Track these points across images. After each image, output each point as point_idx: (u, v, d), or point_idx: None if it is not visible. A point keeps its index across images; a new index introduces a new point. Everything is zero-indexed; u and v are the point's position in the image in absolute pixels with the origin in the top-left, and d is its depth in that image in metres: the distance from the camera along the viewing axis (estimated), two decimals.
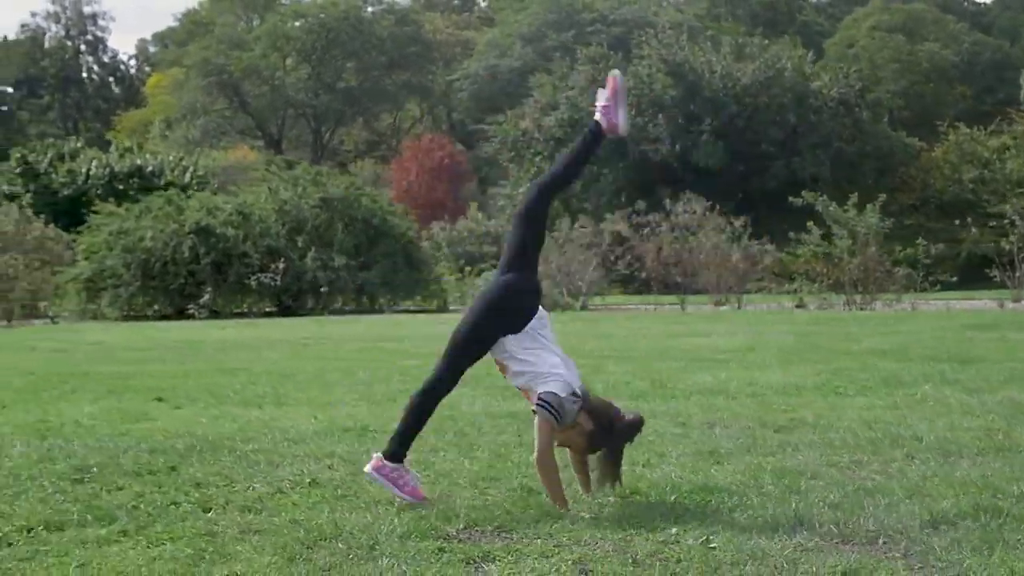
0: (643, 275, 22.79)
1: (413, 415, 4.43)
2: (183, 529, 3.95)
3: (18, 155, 39.60)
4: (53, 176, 38.12)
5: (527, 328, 4.32)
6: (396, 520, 4.03)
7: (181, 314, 21.88)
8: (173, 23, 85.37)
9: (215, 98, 59.48)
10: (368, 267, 23.47)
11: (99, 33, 75.88)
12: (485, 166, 61.64)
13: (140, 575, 3.41)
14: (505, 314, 4.31)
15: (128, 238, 22.37)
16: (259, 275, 21.49)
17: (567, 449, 4.44)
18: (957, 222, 30.26)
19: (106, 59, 77.05)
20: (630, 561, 3.52)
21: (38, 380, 9.29)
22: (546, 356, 4.28)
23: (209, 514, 4.22)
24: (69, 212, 33.78)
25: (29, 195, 35.93)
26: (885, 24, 60.05)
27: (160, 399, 7.94)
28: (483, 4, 75.73)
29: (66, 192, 37.37)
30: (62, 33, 75.25)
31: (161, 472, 5.09)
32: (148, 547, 3.72)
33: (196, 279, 21.95)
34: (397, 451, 4.40)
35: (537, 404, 4.21)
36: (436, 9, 71.28)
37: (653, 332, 14.75)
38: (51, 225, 25.34)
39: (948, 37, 58.54)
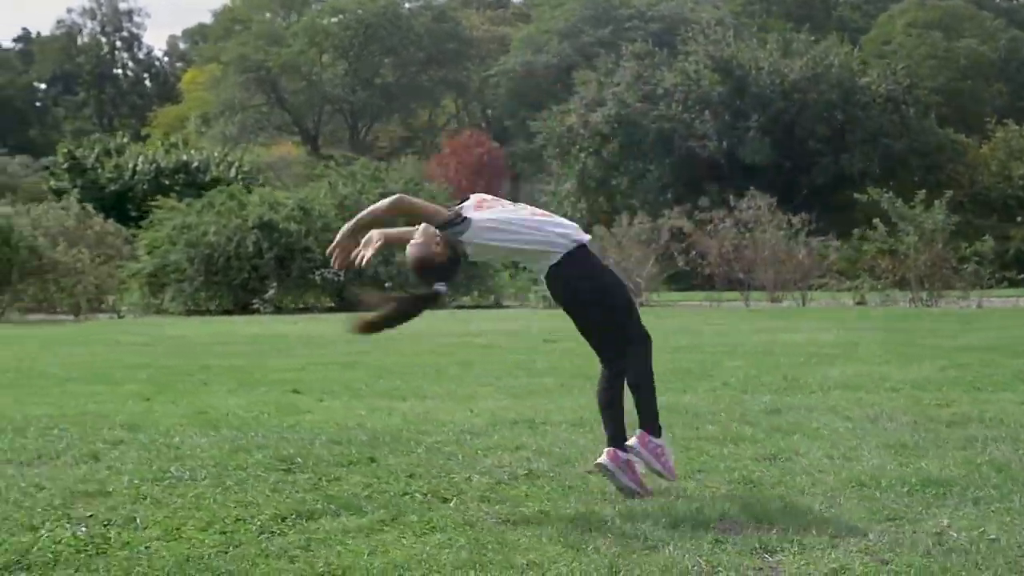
0: (707, 271, 22.68)
1: (647, 386, 4.40)
2: (439, 519, 3.93)
3: (65, 150, 39.90)
4: (100, 171, 38.36)
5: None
6: (652, 509, 4.01)
7: (244, 309, 21.94)
8: (204, 20, 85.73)
9: (253, 94, 59.66)
10: None
11: (134, 29, 76.39)
12: (520, 162, 61.61)
13: (434, 563, 3.39)
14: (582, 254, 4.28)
15: (191, 233, 22.45)
16: (322, 270, 21.52)
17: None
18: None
19: (141, 55, 77.53)
20: (923, 552, 3.48)
21: (159, 373, 9.31)
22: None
23: (450, 504, 4.20)
24: (115, 207, 34.01)
25: (76, 190, 36.18)
26: (921, 21, 59.59)
27: (296, 391, 7.95)
28: (517, 0, 75.64)
29: (113, 187, 37.60)
30: (98, 30, 75.74)
31: (362, 463, 5.07)
32: (420, 536, 3.71)
33: (259, 274, 22.00)
34: (654, 425, 4.40)
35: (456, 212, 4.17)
36: (471, 5, 71.23)
37: (742, 328, 14.66)
38: (109, 220, 25.46)
39: (985, 34, 58.05)
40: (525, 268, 26.40)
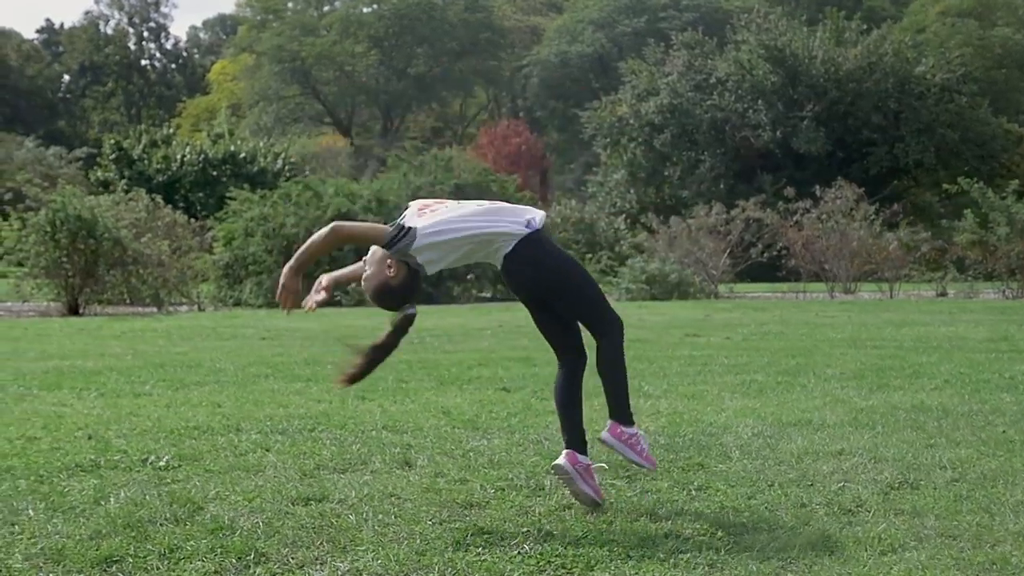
0: (792, 262, 22.41)
1: (618, 373, 4.24)
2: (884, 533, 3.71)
3: (112, 141, 39.78)
4: (148, 162, 38.19)
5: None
6: None
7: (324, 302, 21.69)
8: (224, 10, 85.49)
9: (287, 84, 59.44)
10: None
11: (161, 20, 76.20)
12: (552, 152, 61.38)
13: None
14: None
15: (268, 224, 22.24)
16: None
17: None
18: None
19: (168, 46, 77.35)
20: None
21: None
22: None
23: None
24: (163, 198, 33.75)
25: (124, 181, 35.97)
26: (955, 9, 59.18)
27: (505, 389, 7.73)
28: None
29: (160, 178, 37.42)
30: (125, 20, 75.57)
31: (692, 469, 4.87)
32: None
33: (338, 266, 21.71)
34: (625, 414, 4.23)
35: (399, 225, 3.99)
36: None
37: (869, 322, 14.40)
38: (177, 211, 25.24)
39: (1019, 22, 57.55)
40: (590, 259, 26.12)
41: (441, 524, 3.96)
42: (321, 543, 3.73)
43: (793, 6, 60.27)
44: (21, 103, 71.50)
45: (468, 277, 22.47)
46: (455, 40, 60.25)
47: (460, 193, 23.85)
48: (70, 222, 19.42)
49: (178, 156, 38.07)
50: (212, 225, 24.95)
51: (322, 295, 4.24)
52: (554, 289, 4.10)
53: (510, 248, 4.03)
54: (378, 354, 4.22)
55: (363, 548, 3.67)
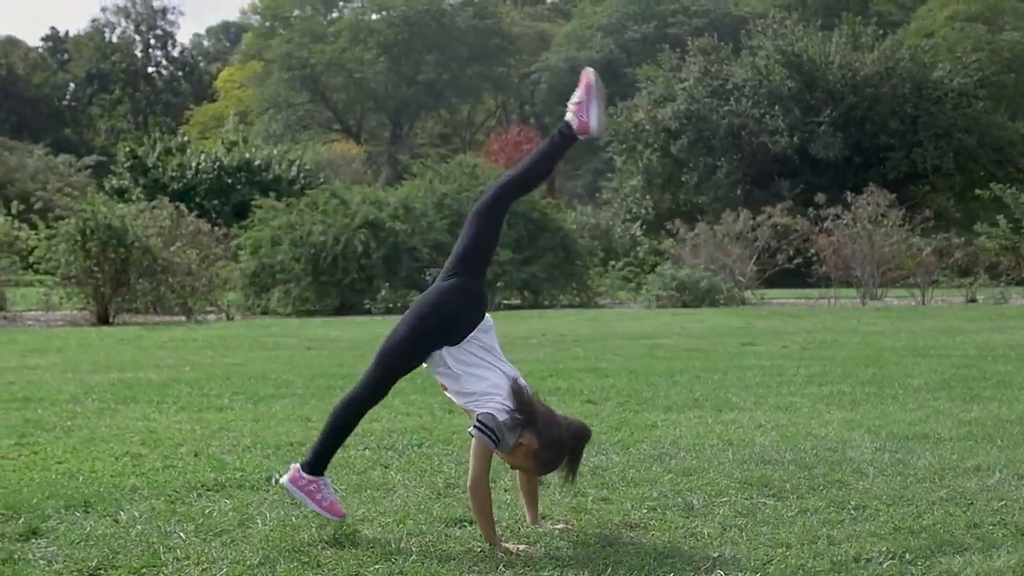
0: (823, 268, 22.29)
1: (336, 428, 4.10)
2: None
3: (127, 149, 39.62)
4: (162, 170, 38.04)
5: (468, 339, 3.98)
6: None
7: (350, 310, 21.59)
8: (227, 18, 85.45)
9: (297, 91, 59.35)
10: (530, 262, 23.12)
11: (168, 27, 76.03)
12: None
13: None
14: (445, 322, 3.97)
15: (295, 232, 22.09)
16: (431, 270, 21.16)
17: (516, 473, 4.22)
18: None
19: (175, 53, 77.16)
20: None
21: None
22: (485, 373, 3.94)
23: None
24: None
25: (139, 189, 35.87)
26: (963, 13, 59.18)
27: (592, 402, 7.62)
28: None
29: (175, 186, 37.26)
30: (132, 28, 75.40)
31: (832, 486, 4.76)
32: None
33: (366, 274, 21.65)
34: (316, 463, 4.09)
35: (475, 426, 3.87)
36: (508, 2, 70.84)
37: (914, 329, 14.29)
38: (201, 219, 25.13)
39: None
40: (613, 266, 26.00)
41: (613, 547, 3.84)
42: (500, 568, 3.62)
43: (801, 11, 60.38)
44: (28, 111, 71.41)
45: (497, 284, 22.36)
46: (464, 46, 60.20)
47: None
48: (100, 231, 19.30)
49: (193, 164, 37.91)
50: (236, 233, 24.82)
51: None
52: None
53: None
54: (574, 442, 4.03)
55: (547, 573, 3.56)
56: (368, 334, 15.27)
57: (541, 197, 26.12)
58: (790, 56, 36.72)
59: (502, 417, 3.84)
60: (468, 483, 3.93)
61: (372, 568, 3.59)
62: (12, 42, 74.81)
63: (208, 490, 4.80)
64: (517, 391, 3.89)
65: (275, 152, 40.19)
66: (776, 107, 36.34)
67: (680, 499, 4.51)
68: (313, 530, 4.06)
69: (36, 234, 21.17)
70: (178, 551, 3.79)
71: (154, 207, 23.46)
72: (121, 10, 75.12)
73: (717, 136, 36.76)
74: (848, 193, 23.17)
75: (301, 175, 38.77)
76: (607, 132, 40.28)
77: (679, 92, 37.46)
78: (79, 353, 12.34)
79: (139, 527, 4.09)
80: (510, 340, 13.45)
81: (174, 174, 37.70)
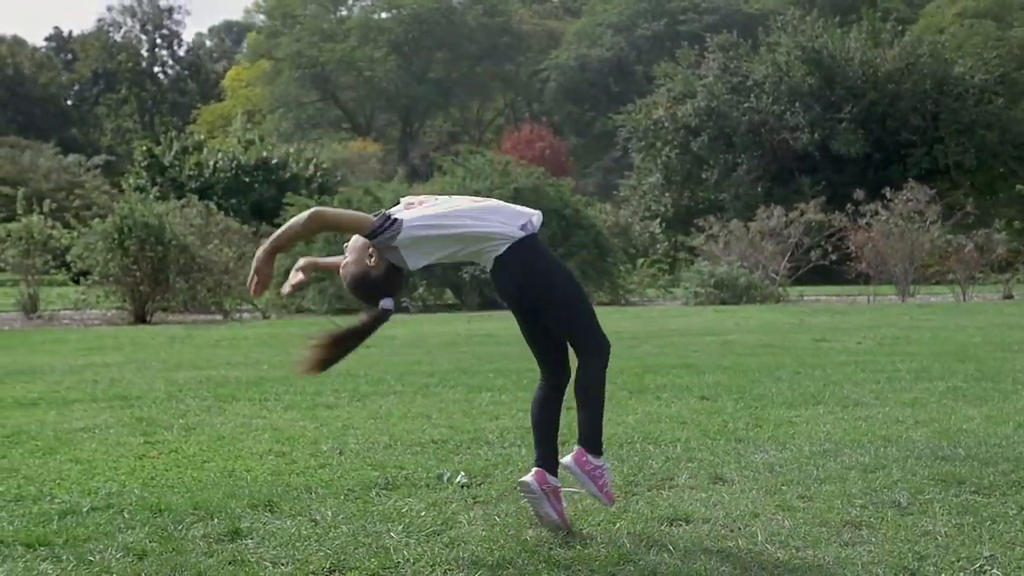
0: (862, 265, 22.15)
1: (600, 399, 3.99)
2: None
3: (144, 148, 39.42)
4: (180, 169, 37.85)
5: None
6: None
7: None
8: (230, 17, 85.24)
9: (307, 90, 59.15)
10: (564, 259, 22.97)
11: (174, 27, 75.77)
12: (571, 156, 61.16)
13: None
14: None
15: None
16: (468, 267, 21.01)
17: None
18: None
19: (181, 53, 76.92)
20: None
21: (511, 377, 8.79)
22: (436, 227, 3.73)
23: None
24: None
25: (156, 188, 35.68)
26: (971, 10, 59.12)
27: (705, 398, 7.48)
28: None
29: (193, 185, 37.06)
30: (137, 27, 75.17)
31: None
32: None
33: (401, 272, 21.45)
34: (596, 443, 3.93)
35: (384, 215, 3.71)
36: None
37: (972, 325, 14.16)
38: (230, 216, 24.97)
39: None
40: (642, 263, 25.86)
41: (848, 547, 3.69)
42: (755, 569, 3.47)
43: (808, 8, 60.30)
44: (34, 111, 71.18)
45: None
46: (474, 44, 60.04)
47: (518, 198, 23.61)
48: (138, 229, 19.14)
49: (211, 163, 37.72)
50: (265, 231, 24.64)
51: (299, 276, 4.00)
52: (542, 299, 3.83)
53: (501, 251, 3.78)
54: (349, 343, 3.96)
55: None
56: (417, 332, 15.14)
57: (572, 193, 26.02)
58: (810, 52, 36.60)
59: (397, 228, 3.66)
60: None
61: (625, 568, 3.44)
62: (18, 42, 74.58)
63: (384, 489, 4.65)
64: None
65: (291, 151, 39.98)
66: (796, 103, 36.22)
67: (884, 496, 4.36)
68: (531, 530, 3.91)
69: (70, 233, 21.05)
70: (404, 552, 3.64)
71: (183, 206, 23.30)
72: (127, 9, 74.98)
73: (737, 133, 36.62)
74: (887, 189, 23.02)
75: (318, 174, 38.60)
76: (626, 131, 40.17)
77: (699, 89, 37.30)
78: (139, 352, 12.19)
79: (343, 527, 3.95)
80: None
81: (191, 173, 37.50)
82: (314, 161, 39.29)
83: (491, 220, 3.79)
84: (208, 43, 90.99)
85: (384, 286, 3.83)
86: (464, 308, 21.91)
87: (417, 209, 3.79)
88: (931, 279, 23.07)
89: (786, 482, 4.66)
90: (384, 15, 60.43)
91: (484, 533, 3.88)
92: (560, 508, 3.92)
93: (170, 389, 8.34)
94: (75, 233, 20.82)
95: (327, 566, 3.48)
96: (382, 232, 3.67)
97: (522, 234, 3.79)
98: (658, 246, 32.08)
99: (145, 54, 75.99)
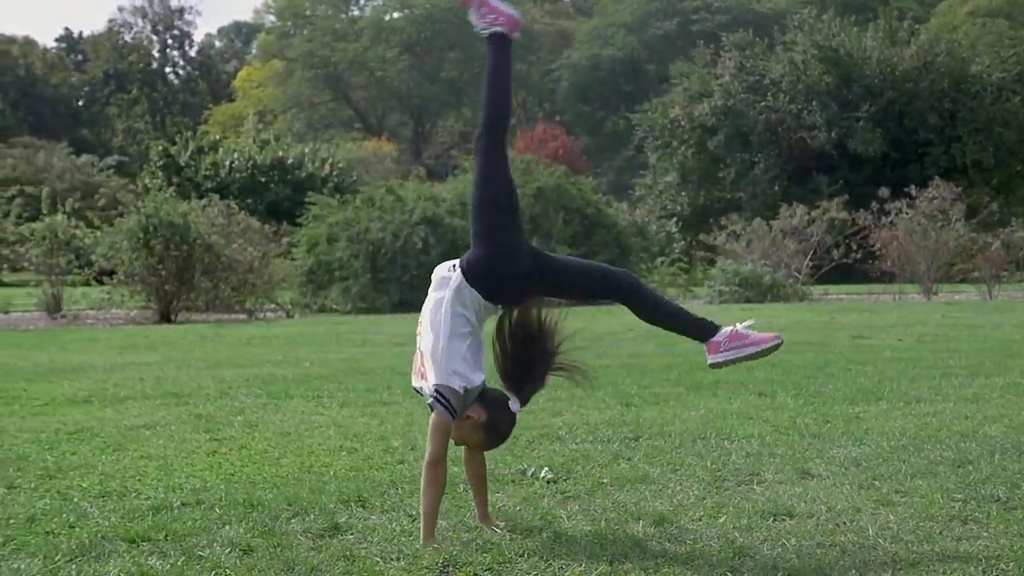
0: (888, 263, 22.06)
1: (670, 307, 4.00)
2: None
3: (160, 148, 39.40)
4: (196, 169, 37.85)
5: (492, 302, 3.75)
6: None
7: (410, 307, 21.34)
8: (239, 18, 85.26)
9: (320, 90, 59.15)
10: (587, 258, 22.90)
11: (185, 27, 75.85)
12: (583, 155, 61.09)
13: None
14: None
15: (352, 229, 21.88)
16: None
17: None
18: None
19: (192, 53, 76.97)
20: None
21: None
22: (464, 343, 3.68)
23: None
24: None
25: (172, 188, 35.64)
26: (983, 9, 58.99)
27: (763, 394, 7.42)
28: None
29: (209, 185, 37.04)
30: (148, 28, 75.23)
31: None
32: None
33: (426, 271, 21.39)
34: (707, 329, 3.97)
35: (433, 396, 3.63)
36: None
37: (1006, 322, 14.08)
38: (252, 215, 24.94)
39: None
40: (661, 262, 25.71)
41: (962, 541, 3.64)
42: (875, 565, 3.42)
43: (819, 7, 60.20)
44: (46, 111, 71.27)
45: None
46: (486, 44, 59.95)
47: (541, 196, 23.56)
48: (163, 228, 19.12)
49: (226, 163, 37.71)
50: (285, 230, 24.65)
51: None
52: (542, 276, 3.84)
53: (467, 289, 3.75)
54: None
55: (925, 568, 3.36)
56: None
57: (592, 192, 25.97)
58: (827, 51, 36.49)
59: (461, 391, 3.62)
60: (426, 460, 3.67)
61: (744, 562, 3.39)
62: (29, 43, 74.69)
63: (470, 485, 4.59)
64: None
65: (307, 150, 39.95)
66: (813, 102, 36.11)
67: (982, 491, 4.30)
68: (637, 524, 3.86)
69: (93, 232, 21.04)
70: (515, 547, 3.59)
71: (205, 205, 23.27)
72: (138, 10, 75.03)
73: (754, 132, 36.52)
74: (912, 187, 22.92)
75: (334, 173, 38.59)
76: (642, 130, 40.13)
77: (716, 88, 37.21)
78: (175, 350, 12.16)
79: (442, 523, 3.89)
80: (598, 336, 13.27)
81: (208, 172, 37.49)
82: (330, 161, 39.26)
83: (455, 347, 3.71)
84: (217, 44, 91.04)
85: (502, 417, 3.75)
86: None
87: (429, 369, 3.71)
88: (955, 277, 22.97)
89: (876, 477, 4.61)
90: (396, 15, 60.39)
91: (589, 528, 3.83)
92: (752, 336, 3.93)
93: (220, 387, 8.31)
94: (98, 233, 20.82)
95: (439, 561, 3.43)
96: (452, 411, 3.65)
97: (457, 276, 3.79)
98: (675, 245, 31.99)
99: (156, 55, 76.01)
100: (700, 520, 3.94)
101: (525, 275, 3.75)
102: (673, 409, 6.73)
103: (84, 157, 57.09)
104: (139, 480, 4.78)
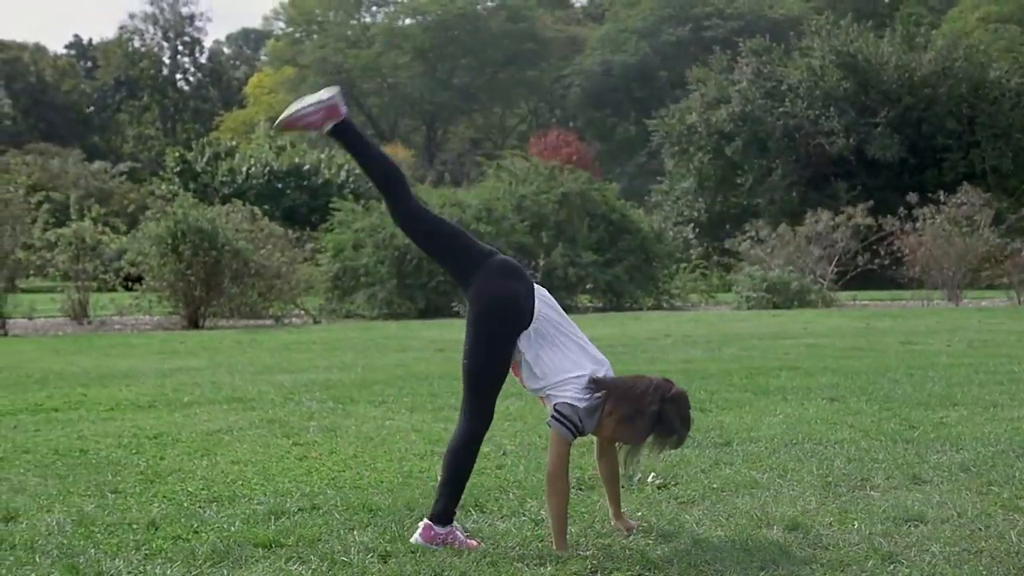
0: (916, 269, 21.96)
1: (454, 471, 3.78)
2: None
3: (176, 154, 39.41)
4: (213, 175, 37.84)
5: (536, 321, 3.72)
6: None
7: (436, 312, 21.32)
8: (248, 25, 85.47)
9: None
10: (612, 264, 22.87)
11: (195, 34, 75.86)
12: (596, 162, 61.06)
13: None
14: (507, 315, 3.72)
15: (378, 235, 21.83)
16: (535, 270, 20.91)
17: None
18: None
19: (203, 60, 77.05)
20: None
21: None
22: (558, 356, 3.70)
23: None
24: None
25: (189, 195, 35.61)
26: (995, 15, 58.96)
27: (832, 399, 7.36)
28: (584, 1, 75.00)
29: (226, 191, 37.04)
30: (159, 35, 75.30)
31: None
32: None
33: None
34: (445, 512, 3.75)
35: (553, 418, 3.66)
36: (541, 5, 70.66)
37: None
38: (273, 222, 24.89)
39: None
40: (684, 268, 25.63)
41: None
42: None
43: (833, 13, 60.16)
44: (57, 118, 71.33)
45: (588, 287, 22.16)
46: (498, 51, 59.99)
47: (566, 202, 23.51)
48: (191, 233, 19.07)
49: (243, 169, 37.72)
50: (308, 236, 24.63)
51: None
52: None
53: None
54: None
55: None
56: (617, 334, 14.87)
57: (618, 197, 25.92)
58: (845, 57, 36.42)
59: (581, 404, 3.64)
60: (546, 475, 3.71)
61: (899, 568, 3.34)
62: (40, 49, 74.82)
63: (579, 489, 4.56)
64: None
65: (323, 156, 39.93)
66: (831, 108, 36.03)
67: None
68: (774, 531, 3.81)
69: (119, 237, 21.02)
70: (660, 553, 3.54)
71: (229, 211, 23.23)
72: (149, 17, 75.05)
73: (772, 138, 36.44)
74: (941, 192, 22.84)
75: (350, 179, 38.55)
76: (659, 136, 40.07)
77: (733, 94, 37.15)
78: (217, 356, 12.13)
79: (571, 529, 3.84)
80: (636, 341, 13.20)
81: (224, 179, 37.48)
82: (346, 167, 39.22)
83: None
84: (226, 50, 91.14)
85: (637, 402, 3.69)
86: None
87: (564, 388, 3.73)
88: (981, 283, 22.88)
89: (991, 482, 4.56)
90: (408, 21, 60.39)
91: (722, 533, 3.78)
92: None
93: (281, 392, 8.27)
94: (123, 238, 20.80)
95: (587, 568, 3.38)
96: (578, 432, 3.71)
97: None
98: (691, 251, 31.91)
99: (167, 61, 76.10)
100: (832, 526, 3.89)
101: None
102: (750, 414, 6.68)
103: (96, 163, 57.18)
104: (242, 485, 4.74)
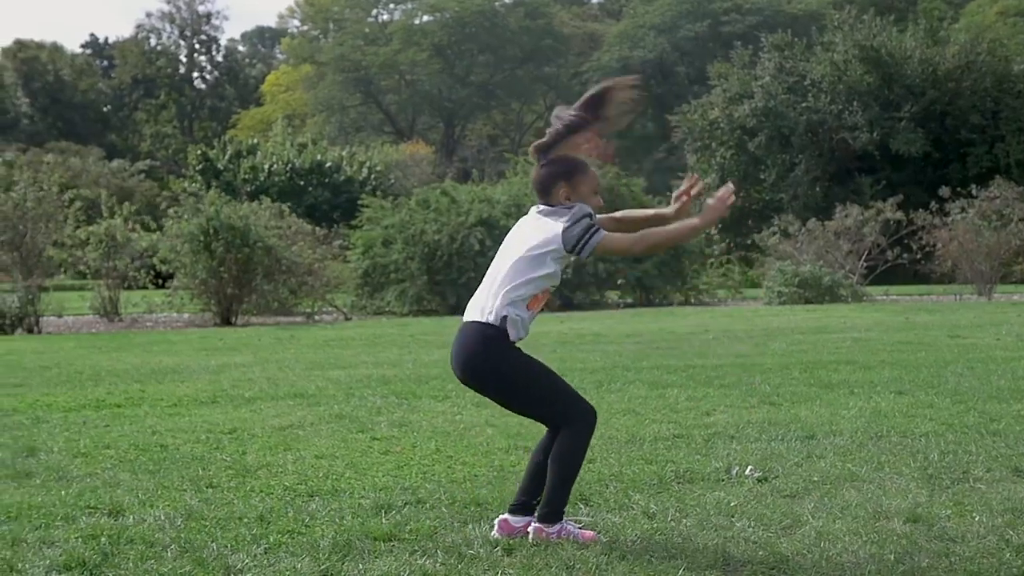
0: (948, 263, 21.86)
1: (570, 470, 3.65)
2: None
3: (198, 152, 39.54)
4: (235, 173, 37.93)
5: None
6: None
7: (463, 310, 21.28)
8: (263, 23, 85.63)
9: (351, 94, 59.21)
10: (642, 260, 22.80)
11: (212, 32, 76.03)
12: (616, 158, 60.92)
13: None
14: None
15: (408, 232, 21.81)
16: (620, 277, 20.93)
17: None
18: None
19: (219, 58, 77.19)
20: None
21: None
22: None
23: None
24: None
25: (212, 192, 35.68)
26: (1013, 9, 58.69)
27: (900, 392, 7.31)
28: None
29: (248, 189, 37.10)
30: (176, 33, 75.50)
31: None
32: None
33: (481, 273, 21.30)
34: (555, 512, 3.63)
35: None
36: (558, 2, 70.62)
37: None
38: (301, 219, 24.90)
39: None
40: (711, 264, 25.55)
41: None
42: None
43: (852, 7, 59.92)
44: (74, 117, 71.56)
45: (619, 283, 22.10)
46: (516, 47, 59.95)
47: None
48: (224, 231, 19.08)
49: (265, 166, 37.80)
50: (336, 233, 24.63)
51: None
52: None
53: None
54: None
55: None
56: (633, 330, 14.80)
57: (645, 192, 25.86)
58: (868, 51, 36.27)
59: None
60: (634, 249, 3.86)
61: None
62: (57, 48, 75.06)
63: (682, 483, 4.53)
64: None
65: (344, 153, 40.02)
66: (855, 103, 35.90)
67: None
68: (895, 524, 3.76)
69: (149, 235, 21.05)
70: (786, 546, 3.50)
71: (258, 209, 23.23)
72: (166, 16, 75.22)
73: (795, 133, 36.33)
74: (973, 187, 22.73)
75: (372, 176, 38.63)
76: (681, 129, 39.94)
77: (756, 89, 37.04)
78: (262, 353, 12.12)
79: (684, 521, 3.82)
80: (678, 337, 13.14)
81: (246, 176, 37.57)
82: (367, 164, 39.31)
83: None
84: (241, 48, 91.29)
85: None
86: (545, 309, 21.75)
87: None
88: (1013, 278, 22.76)
89: None
90: (427, 18, 60.41)
91: (842, 526, 3.74)
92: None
93: (339, 388, 8.25)
94: (154, 236, 20.84)
95: (716, 561, 3.34)
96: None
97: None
98: (714, 247, 31.79)
99: (184, 60, 76.26)
100: (951, 518, 3.84)
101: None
102: (824, 408, 6.63)
103: (115, 162, 57.35)
104: (336, 479, 4.72)
